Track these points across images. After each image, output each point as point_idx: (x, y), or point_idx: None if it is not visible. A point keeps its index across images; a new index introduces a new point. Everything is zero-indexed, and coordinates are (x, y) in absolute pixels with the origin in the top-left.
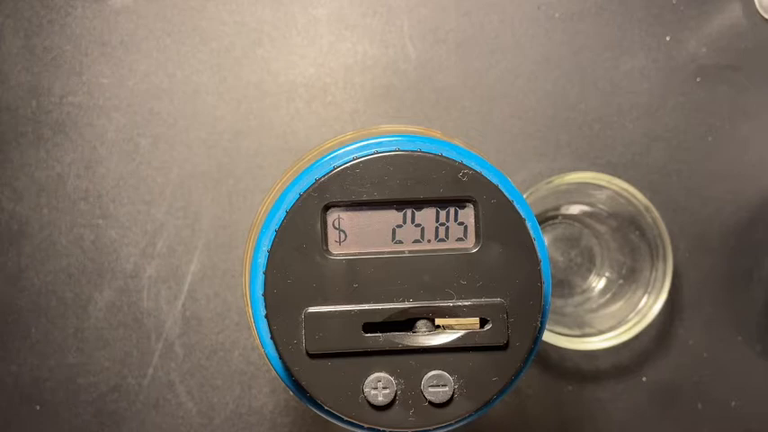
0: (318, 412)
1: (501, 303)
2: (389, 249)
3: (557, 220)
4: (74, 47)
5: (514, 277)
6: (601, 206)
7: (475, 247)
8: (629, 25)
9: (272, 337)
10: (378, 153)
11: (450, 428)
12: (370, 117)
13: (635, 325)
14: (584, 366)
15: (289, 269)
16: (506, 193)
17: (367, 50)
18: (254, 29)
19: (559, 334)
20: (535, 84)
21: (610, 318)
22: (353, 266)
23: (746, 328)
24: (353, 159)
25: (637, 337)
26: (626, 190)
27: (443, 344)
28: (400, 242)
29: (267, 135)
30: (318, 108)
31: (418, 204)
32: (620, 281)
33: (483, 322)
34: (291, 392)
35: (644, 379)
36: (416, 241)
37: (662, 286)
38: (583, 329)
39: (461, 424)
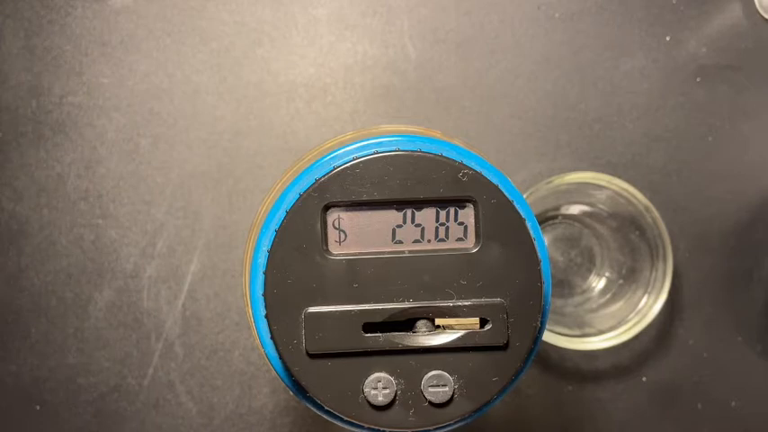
0: (318, 412)
1: (501, 303)
2: (389, 249)
3: (557, 220)
4: (74, 47)
5: (514, 277)
6: (601, 206)
7: (475, 247)
8: (629, 25)
9: (272, 337)
10: (378, 153)
11: (450, 428)
12: (370, 117)
13: (635, 325)
14: (584, 366)
15: (289, 269)
16: (506, 193)
17: (367, 50)
18: (254, 29)
19: (559, 334)
20: (535, 84)
21: (610, 318)
22: (353, 266)
23: (746, 328)
24: (353, 159)
25: (637, 337)
26: (626, 190)
27: (443, 344)
28: (400, 242)
29: (267, 135)
30: (318, 108)
31: (418, 204)
32: (620, 281)
33: (483, 322)
34: (291, 392)
35: (644, 379)
36: (416, 241)
37: (662, 286)
38: (583, 329)
39: (461, 424)
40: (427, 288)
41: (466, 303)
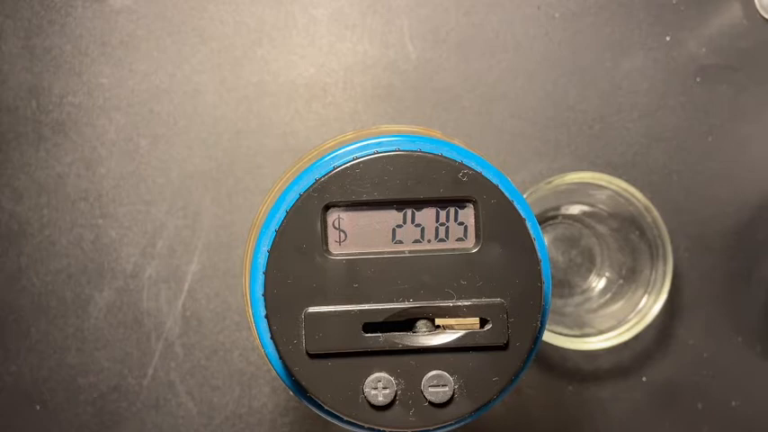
0: (318, 412)
1: (501, 303)
2: (389, 249)
3: (557, 220)
4: (74, 47)
5: (514, 277)
6: (601, 206)
7: (475, 247)
8: (629, 25)
9: (272, 337)
10: (378, 153)
11: (450, 428)
12: (370, 117)
13: (635, 325)
14: (584, 366)
15: (289, 269)
16: (506, 193)
17: (367, 50)
18: (254, 29)
19: (559, 334)
20: (535, 84)
21: (610, 318)
22: (353, 266)
23: (746, 329)
24: (354, 159)
25: (637, 337)
26: (626, 190)
27: (443, 344)
28: (400, 242)
29: (267, 135)
30: (318, 108)
31: (418, 204)
32: (620, 281)
33: (483, 322)
34: (291, 392)
35: (644, 379)
36: (416, 241)
37: (662, 286)
38: (583, 329)
39: (461, 424)
40: (427, 288)
41: (466, 303)
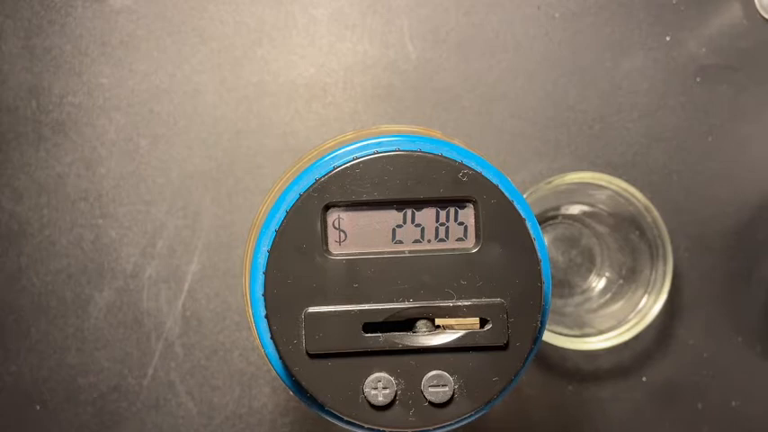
0: (318, 412)
1: (501, 303)
2: (389, 249)
3: (557, 220)
4: (74, 47)
5: (514, 277)
6: (601, 206)
7: (475, 247)
8: (629, 25)
9: (272, 338)
10: (378, 153)
11: (450, 428)
12: (370, 117)
13: (635, 325)
14: (584, 366)
15: (289, 269)
16: (506, 193)
17: (367, 50)
18: (254, 29)
19: (559, 334)
20: (535, 84)
21: (610, 318)
22: (353, 266)
23: (746, 329)
24: (354, 159)
25: (637, 337)
26: (626, 190)
27: (443, 344)
28: (400, 242)
29: (267, 135)
30: (318, 108)
31: (418, 204)
32: (620, 281)
33: (483, 322)
34: (291, 392)
35: (644, 379)
36: (416, 241)
37: (662, 286)
38: (583, 329)
39: (461, 424)
40: (427, 288)
41: (466, 303)
